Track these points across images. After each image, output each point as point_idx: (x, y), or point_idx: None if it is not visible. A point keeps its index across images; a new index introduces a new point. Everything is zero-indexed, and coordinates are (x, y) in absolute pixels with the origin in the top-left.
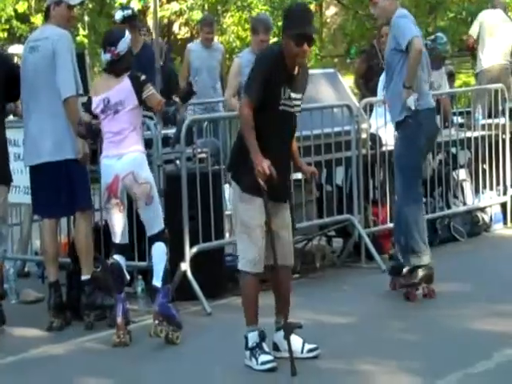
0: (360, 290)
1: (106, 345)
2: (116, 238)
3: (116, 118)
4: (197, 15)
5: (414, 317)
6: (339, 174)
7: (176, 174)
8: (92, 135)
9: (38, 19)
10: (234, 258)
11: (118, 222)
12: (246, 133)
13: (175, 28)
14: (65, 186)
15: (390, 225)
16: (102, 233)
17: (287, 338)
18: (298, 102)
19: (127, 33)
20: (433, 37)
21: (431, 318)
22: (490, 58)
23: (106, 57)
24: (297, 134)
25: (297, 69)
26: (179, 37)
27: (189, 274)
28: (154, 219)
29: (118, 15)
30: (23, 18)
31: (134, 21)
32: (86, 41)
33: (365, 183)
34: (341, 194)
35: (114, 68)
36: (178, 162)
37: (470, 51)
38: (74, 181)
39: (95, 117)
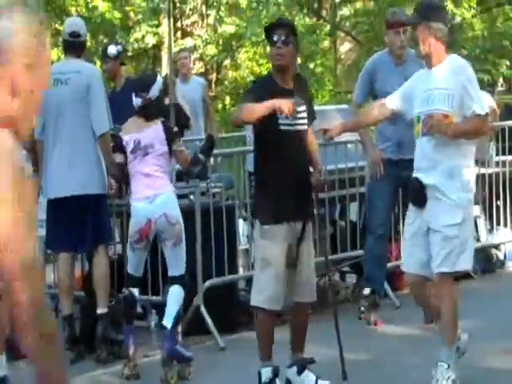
0: (374, 326)
1: (119, 378)
2: (132, 271)
3: (146, 159)
4: (211, 50)
5: (428, 353)
6: (353, 210)
7: (190, 209)
8: (125, 176)
9: (53, 53)
10: (247, 292)
11: (139, 259)
12: (246, 110)
13: None
14: (91, 220)
15: None
16: (115, 266)
17: (301, 372)
18: (302, 115)
19: (159, 77)
20: None
21: None
22: None
23: (137, 101)
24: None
25: (291, 82)
26: (193, 72)
27: (202, 308)
28: (179, 261)
29: (113, 50)
30: None
31: (122, 56)
32: None
33: None
34: (355, 229)
35: (145, 112)
36: (191, 196)
37: None
38: (100, 215)
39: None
